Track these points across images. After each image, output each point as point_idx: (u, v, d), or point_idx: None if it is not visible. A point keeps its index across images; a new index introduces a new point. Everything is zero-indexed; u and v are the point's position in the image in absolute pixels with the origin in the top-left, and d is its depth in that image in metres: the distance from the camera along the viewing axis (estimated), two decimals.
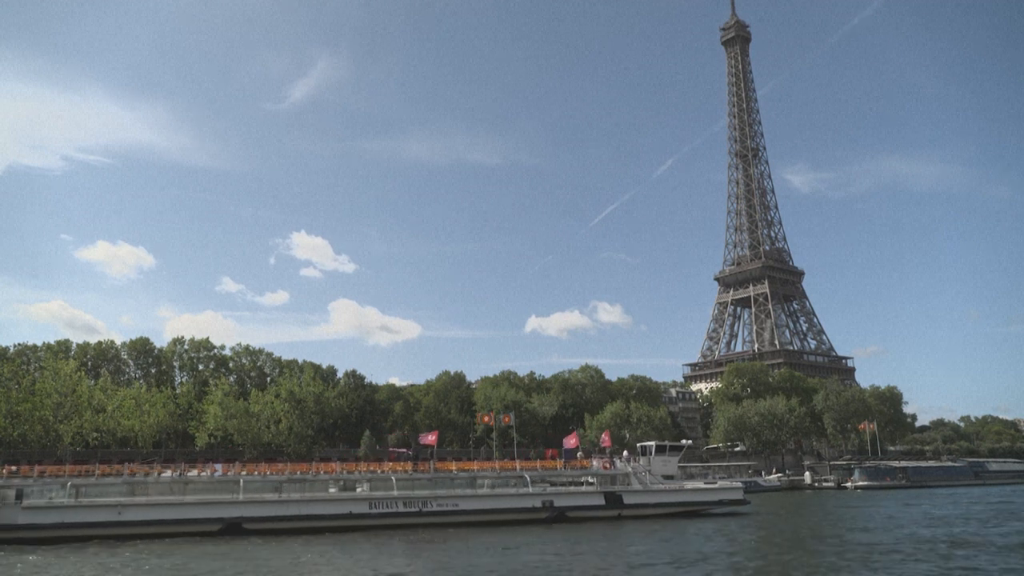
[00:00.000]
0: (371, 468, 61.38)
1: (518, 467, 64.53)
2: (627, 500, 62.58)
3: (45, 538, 47.31)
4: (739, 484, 77.47)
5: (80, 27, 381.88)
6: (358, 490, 58.02)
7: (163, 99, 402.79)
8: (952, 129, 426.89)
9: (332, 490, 57.47)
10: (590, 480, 64.14)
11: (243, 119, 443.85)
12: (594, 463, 67.11)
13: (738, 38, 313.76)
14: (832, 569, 33.87)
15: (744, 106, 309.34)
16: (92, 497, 51.18)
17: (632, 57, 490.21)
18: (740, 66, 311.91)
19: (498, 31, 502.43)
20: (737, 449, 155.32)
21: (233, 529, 51.01)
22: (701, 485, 71.84)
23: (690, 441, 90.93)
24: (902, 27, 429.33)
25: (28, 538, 47.17)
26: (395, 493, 56.89)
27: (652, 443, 73.76)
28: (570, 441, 72.26)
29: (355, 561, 39.61)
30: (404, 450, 74.69)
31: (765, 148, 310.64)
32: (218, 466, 58.52)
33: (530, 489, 60.62)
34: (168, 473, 55.89)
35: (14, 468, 54.29)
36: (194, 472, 56.47)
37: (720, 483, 75.54)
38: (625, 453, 72.73)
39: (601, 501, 62.04)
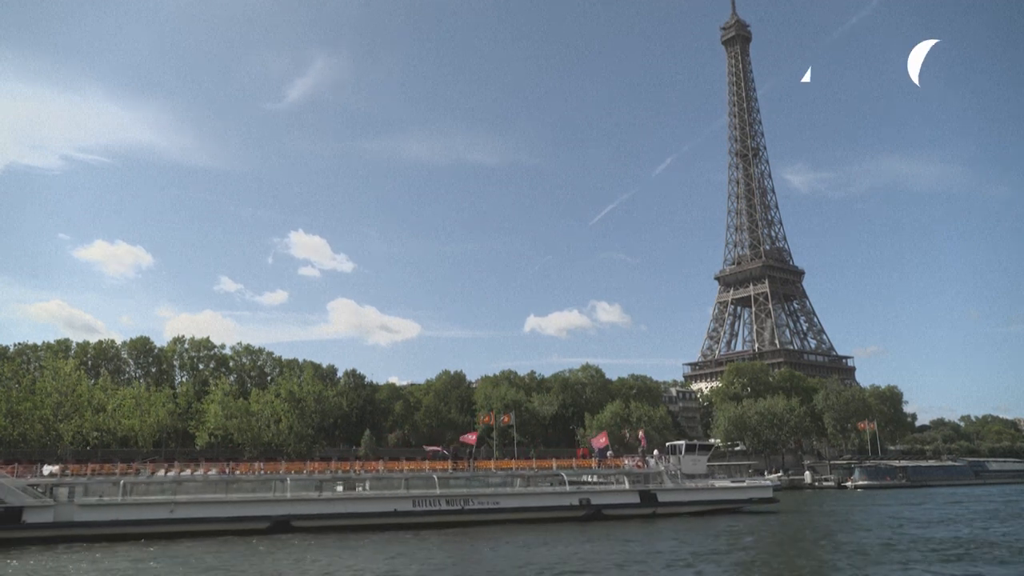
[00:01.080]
0: (412, 467, 62.58)
1: (554, 465, 65.63)
2: (661, 498, 63.67)
3: (100, 536, 47.89)
4: (768, 483, 78.46)
5: (79, 27, 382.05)
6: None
7: (162, 99, 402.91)
8: (952, 129, 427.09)
9: (373, 488, 58.36)
10: (622, 478, 65.26)
11: (242, 119, 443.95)
12: (627, 462, 68.38)
13: (738, 37, 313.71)
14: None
15: (744, 106, 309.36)
16: (144, 495, 52.05)
17: (632, 57, 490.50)
18: (740, 66, 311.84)
19: (498, 31, 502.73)
20: (737, 448, 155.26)
21: (281, 527, 51.76)
22: (730, 483, 72.70)
23: (718, 440, 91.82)
24: (901, 27, 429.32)
25: (84, 536, 47.73)
26: (437, 491, 57.82)
27: (682, 442, 74.79)
28: (600, 440, 73.21)
29: (441, 555, 40.48)
30: (439, 448, 76.38)
31: (765, 148, 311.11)
32: (260, 464, 59.85)
33: (567, 487, 61.75)
34: (214, 471, 56.84)
35: (66, 467, 55.22)
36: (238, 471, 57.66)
37: (748, 481, 76.41)
38: (656, 452, 73.87)
39: (636, 499, 63.06)
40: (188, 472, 55.80)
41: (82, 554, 41.64)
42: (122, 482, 51.65)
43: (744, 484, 72.54)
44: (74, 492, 50.22)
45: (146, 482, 52.91)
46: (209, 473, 55.82)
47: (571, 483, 62.47)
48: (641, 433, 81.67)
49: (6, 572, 35.87)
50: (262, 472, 57.10)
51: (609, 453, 72.99)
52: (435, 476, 59.48)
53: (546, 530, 52.21)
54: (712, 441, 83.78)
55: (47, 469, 53.69)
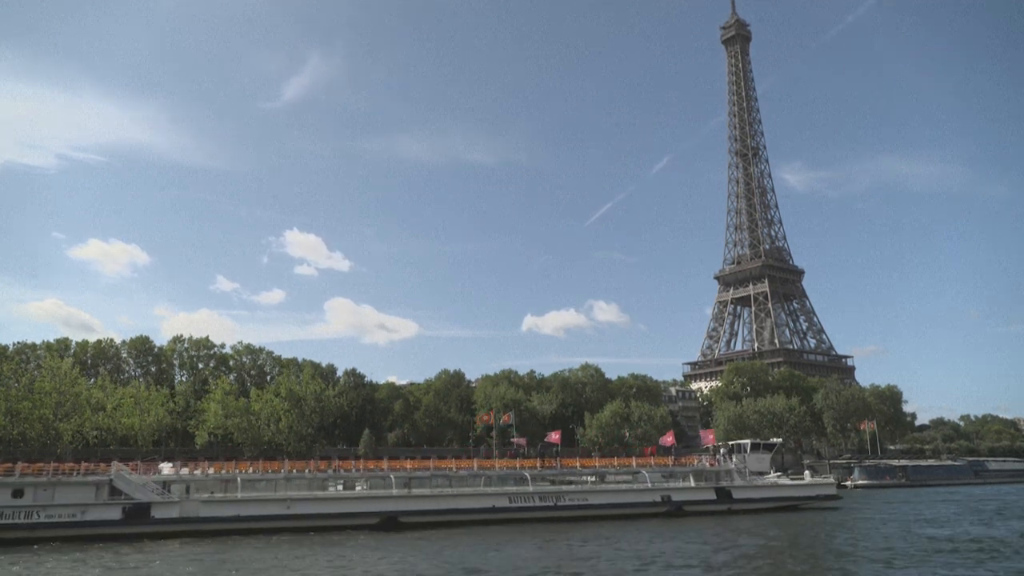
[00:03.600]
0: (504, 465, 65.63)
1: (634, 463, 68.27)
2: (736, 495, 66.26)
3: (223, 530, 49.39)
4: (832, 480, 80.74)
5: (76, 27, 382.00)
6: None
7: (158, 98, 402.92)
8: (950, 128, 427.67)
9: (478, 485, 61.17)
10: (698, 476, 67.81)
11: (238, 118, 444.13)
12: (697, 460, 71.20)
13: (738, 37, 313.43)
14: None
15: (744, 105, 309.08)
16: (261, 492, 54.30)
17: (631, 57, 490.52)
18: (740, 65, 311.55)
19: (496, 30, 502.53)
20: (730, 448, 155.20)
21: (390, 523, 53.69)
22: (791, 481, 75.25)
23: (780, 440, 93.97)
24: (900, 25, 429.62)
25: (208, 531, 49.22)
26: (530, 489, 60.37)
27: (747, 441, 77.30)
28: (667, 439, 76.33)
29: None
30: (521, 446, 78.42)
31: (765, 147, 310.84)
32: (363, 462, 63.04)
33: (649, 484, 64.38)
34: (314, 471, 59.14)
35: (182, 465, 57.63)
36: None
37: (811, 479, 78.54)
38: (722, 450, 76.47)
39: (713, 496, 65.71)
40: (292, 470, 57.78)
41: (218, 546, 43.51)
42: (239, 479, 53.87)
43: (808, 482, 75.12)
44: (190, 489, 52.69)
45: (258, 479, 55.12)
46: (318, 472, 58.19)
47: (653, 480, 65.13)
48: (711, 432, 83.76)
49: (170, 563, 37.85)
50: (362, 469, 59.95)
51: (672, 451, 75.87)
52: (527, 474, 62.00)
53: (650, 525, 54.73)
54: (775, 440, 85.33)
55: (165, 467, 56.40)
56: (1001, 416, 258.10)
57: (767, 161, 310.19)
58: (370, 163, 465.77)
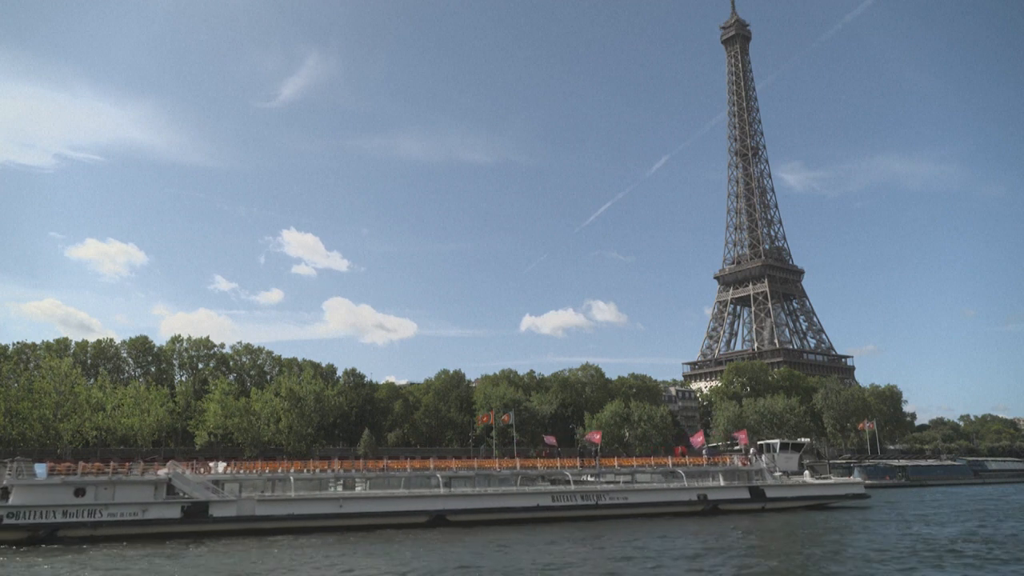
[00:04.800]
0: (545, 464, 66.53)
1: (670, 463, 68.95)
2: (768, 494, 67.08)
3: (278, 528, 49.90)
4: (860, 479, 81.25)
5: (72, 27, 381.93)
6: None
7: (155, 97, 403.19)
8: (948, 127, 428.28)
9: (518, 484, 62.08)
10: (732, 475, 68.50)
11: (235, 117, 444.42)
12: (733, 460, 71.91)
13: (738, 36, 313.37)
14: None
15: (744, 105, 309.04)
16: (314, 491, 55.01)
17: (631, 56, 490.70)
18: (740, 65, 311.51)
19: (492, 28, 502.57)
20: (736, 448, 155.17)
21: (438, 521, 54.58)
22: (821, 480, 75.85)
23: (808, 439, 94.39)
24: (899, 25, 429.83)
25: (263, 528, 49.64)
26: (572, 488, 61.31)
27: (776, 441, 78.58)
28: (697, 439, 77.27)
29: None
30: (554, 446, 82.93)
31: (765, 147, 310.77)
32: (411, 461, 63.46)
33: (685, 483, 65.16)
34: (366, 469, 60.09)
35: (231, 464, 58.39)
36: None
37: (837, 479, 79.08)
38: (752, 450, 77.09)
39: (747, 495, 66.53)
40: (341, 469, 58.61)
41: (288, 543, 44.04)
42: (291, 478, 54.44)
43: (836, 481, 75.83)
44: (243, 487, 53.41)
45: (309, 478, 55.84)
46: (367, 471, 59.03)
47: (689, 479, 65.85)
48: (744, 433, 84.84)
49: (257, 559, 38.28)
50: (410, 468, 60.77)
51: (704, 451, 77.26)
52: (569, 474, 63.04)
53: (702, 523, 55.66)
54: (803, 440, 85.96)
55: (220, 466, 57.02)
56: (1001, 416, 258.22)
57: (767, 161, 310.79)
58: (368, 162, 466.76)
